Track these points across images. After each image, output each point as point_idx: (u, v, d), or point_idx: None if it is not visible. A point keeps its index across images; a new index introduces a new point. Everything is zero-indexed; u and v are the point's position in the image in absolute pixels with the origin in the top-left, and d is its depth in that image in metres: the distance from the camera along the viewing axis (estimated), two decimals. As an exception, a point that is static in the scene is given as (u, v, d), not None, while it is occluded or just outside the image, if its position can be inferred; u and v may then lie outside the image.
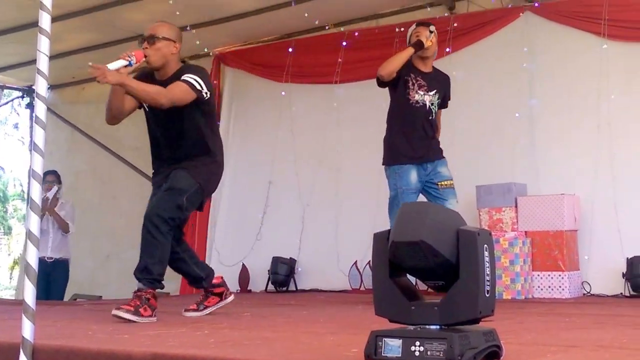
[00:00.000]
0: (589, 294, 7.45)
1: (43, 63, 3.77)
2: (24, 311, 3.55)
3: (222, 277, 5.57)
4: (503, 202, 7.59)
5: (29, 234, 3.70)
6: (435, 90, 6.48)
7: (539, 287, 7.34)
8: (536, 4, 8.27)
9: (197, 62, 10.40)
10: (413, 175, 6.38)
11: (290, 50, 9.47)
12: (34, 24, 3.85)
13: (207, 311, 5.34)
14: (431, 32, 6.36)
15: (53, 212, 8.84)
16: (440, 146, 6.63)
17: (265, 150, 9.47)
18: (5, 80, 11.44)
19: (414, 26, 6.57)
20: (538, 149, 8.03)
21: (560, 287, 7.25)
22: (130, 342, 3.74)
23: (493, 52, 8.38)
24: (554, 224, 7.37)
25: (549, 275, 7.31)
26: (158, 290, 5.03)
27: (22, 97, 11.84)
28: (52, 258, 8.87)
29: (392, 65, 6.26)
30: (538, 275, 7.36)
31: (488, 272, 2.72)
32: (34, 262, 3.63)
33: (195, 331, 4.29)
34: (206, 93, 5.04)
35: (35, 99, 3.82)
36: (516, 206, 7.55)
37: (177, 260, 5.25)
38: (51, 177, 9.01)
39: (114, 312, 4.72)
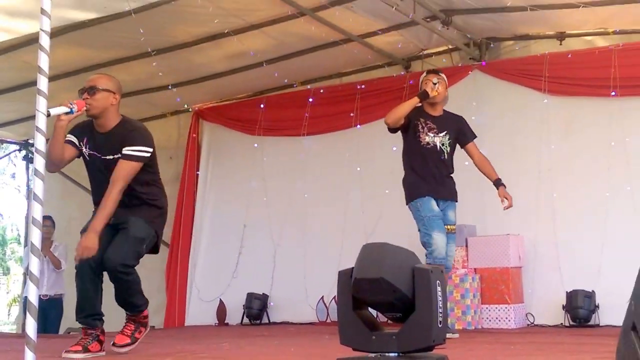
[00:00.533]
0: (532, 324, 7.47)
1: (41, 121, 3.79)
2: (27, 343, 3.53)
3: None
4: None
5: (29, 275, 3.70)
6: (445, 132, 6.31)
7: (487, 318, 7.38)
8: (483, 63, 8.39)
9: (178, 117, 10.55)
10: (433, 203, 6.15)
11: (262, 106, 9.50)
12: (30, 83, 3.88)
13: (89, 355, 4.73)
14: (435, 83, 6.23)
15: (48, 252, 8.81)
16: (457, 187, 6.51)
17: (240, 196, 9.46)
18: (3, 135, 11.36)
19: (425, 74, 6.45)
20: (486, 194, 8.02)
21: (506, 318, 7.29)
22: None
23: (445, 107, 8.45)
24: (500, 261, 7.42)
25: (496, 307, 7.35)
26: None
27: (20, 150, 11.74)
28: (47, 296, 8.80)
29: (396, 114, 6.10)
30: (486, 307, 7.40)
31: (440, 305, 2.76)
32: (34, 299, 3.64)
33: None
34: (147, 154, 4.80)
35: (35, 153, 3.83)
36: (466, 246, 7.61)
37: (94, 284, 4.89)
38: (48, 222, 8.99)
39: (113, 346, 4.73)
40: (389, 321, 2.96)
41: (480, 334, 6.56)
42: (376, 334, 2.83)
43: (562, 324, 7.34)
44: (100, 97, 4.76)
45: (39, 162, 3.79)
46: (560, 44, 8.17)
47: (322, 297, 8.51)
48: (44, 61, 3.86)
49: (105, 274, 4.82)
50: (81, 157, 4.99)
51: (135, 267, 4.76)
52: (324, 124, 9.09)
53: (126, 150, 4.72)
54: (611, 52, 7.61)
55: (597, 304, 7.25)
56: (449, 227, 6.23)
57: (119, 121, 4.87)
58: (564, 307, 7.32)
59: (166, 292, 9.70)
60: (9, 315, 24.45)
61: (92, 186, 5.02)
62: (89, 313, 4.81)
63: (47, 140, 4.03)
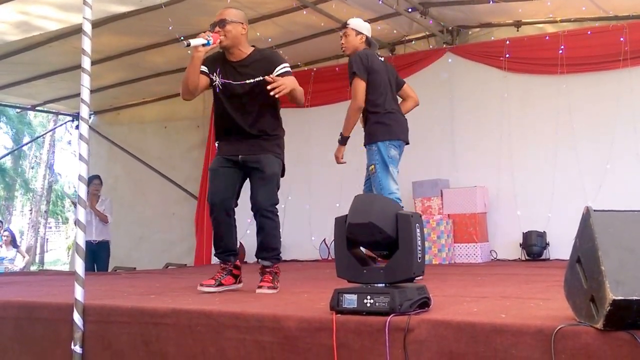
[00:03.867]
0: (495, 259, 7.52)
1: (85, 94, 3.77)
2: (76, 279, 3.54)
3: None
4: (432, 193, 7.65)
5: (77, 222, 3.70)
6: None
7: (459, 254, 7.40)
8: (455, 47, 8.34)
9: (203, 92, 10.45)
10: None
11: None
12: (79, 65, 3.82)
13: (222, 289, 4.24)
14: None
15: (94, 208, 8.79)
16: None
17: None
18: (59, 108, 11.33)
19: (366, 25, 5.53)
20: (457, 153, 8.08)
21: (474, 254, 7.31)
22: (156, 301, 3.75)
23: (424, 82, 8.39)
24: (469, 208, 7.44)
25: (466, 246, 7.38)
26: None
27: (72, 120, 11.72)
28: (96, 240, 8.81)
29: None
30: (458, 246, 7.42)
31: (419, 244, 2.75)
32: (82, 243, 3.63)
33: (203, 292, 4.28)
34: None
35: (80, 121, 3.81)
36: (441, 196, 7.61)
37: (228, 225, 4.33)
38: (97, 181, 8.97)
39: (259, 291, 4.08)
40: (378, 257, 2.94)
41: (453, 268, 6.59)
42: (366, 268, 2.82)
43: (519, 258, 7.39)
44: (230, 28, 4.22)
45: (84, 128, 3.76)
46: (517, 31, 8.14)
47: (324, 240, 8.53)
48: (86, 44, 3.82)
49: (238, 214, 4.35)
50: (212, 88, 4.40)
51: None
52: (324, 97, 9.03)
53: (281, 69, 4.20)
54: (559, 37, 7.58)
55: (547, 242, 7.27)
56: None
57: (254, 49, 4.33)
58: (520, 245, 7.35)
59: (195, 236, 9.70)
60: (68, 257, 24.68)
61: (223, 116, 4.36)
62: (223, 250, 4.33)
63: (92, 112, 3.97)
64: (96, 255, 8.76)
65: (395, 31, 8.58)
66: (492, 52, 8.01)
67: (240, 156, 4.29)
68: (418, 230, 2.74)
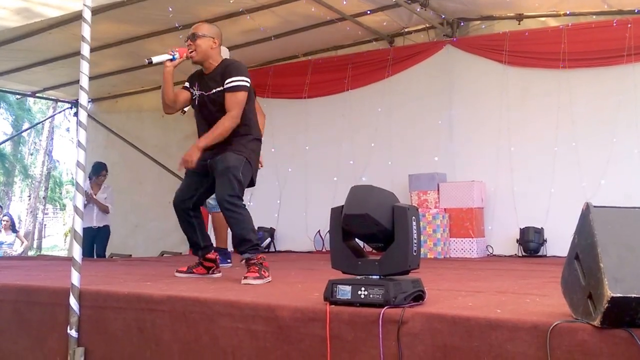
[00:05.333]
0: (491, 255, 7.48)
1: (84, 81, 3.75)
2: (73, 264, 3.57)
3: (217, 256, 4.77)
4: (428, 187, 7.62)
5: (75, 208, 3.69)
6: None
7: (454, 249, 7.37)
8: (454, 39, 8.27)
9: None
10: None
11: (270, 73, 9.43)
12: (78, 52, 3.80)
13: (193, 276, 4.56)
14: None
15: (94, 200, 8.79)
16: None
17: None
18: (58, 95, 11.30)
19: None
20: (455, 147, 8.04)
21: (470, 249, 7.29)
22: (152, 287, 3.75)
23: (423, 75, 8.38)
24: (465, 202, 7.40)
25: (462, 240, 7.35)
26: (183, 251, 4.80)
27: (71, 107, 11.69)
28: (96, 226, 8.83)
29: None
30: (454, 240, 7.39)
31: (415, 237, 2.73)
32: (79, 229, 3.63)
33: (199, 280, 4.29)
34: (246, 83, 4.43)
35: (79, 108, 3.82)
36: (438, 190, 7.58)
37: (189, 223, 4.55)
38: (105, 172, 9.08)
39: (244, 281, 4.04)
40: (373, 250, 2.92)
41: (448, 262, 6.55)
42: (362, 260, 2.80)
43: (516, 254, 7.34)
44: (200, 43, 4.45)
45: (82, 115, 3.75)
46: (519, 24, 8.05)
47: (319, 231, 8.50)
48: (86, 31, 3.80)
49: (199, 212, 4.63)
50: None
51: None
52: (322, 89, 8.99)
53: (227, 84, 4.37)
54: (561, 31, 7.51)
55: (545, 239, 7.24)
56: None
57: (222, 61, 4.54)
58: (517, 241, 7.32)
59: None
60: (65, 243, 24.74)
61: (198, 125, 4.62)
62: (190, 244, 4.64)
63: (90, 99, 3.95)
64: (96, 240, 8.83)
65: (394, 23, 8.52)
66: (493, 46, 7.96)
67: (208, 160, 4.44)
68: (414, 223, 2.72)
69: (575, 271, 2.32)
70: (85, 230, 8.72)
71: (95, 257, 8.63)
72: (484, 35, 8.26)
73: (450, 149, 8.06)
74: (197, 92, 4.55)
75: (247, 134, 4.49)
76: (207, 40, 4.48)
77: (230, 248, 5.95)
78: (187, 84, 4.62)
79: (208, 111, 4.48)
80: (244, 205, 4.40)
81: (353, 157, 8.60)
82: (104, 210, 8.86)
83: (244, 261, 4.36)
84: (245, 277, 4.10)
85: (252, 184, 4.60)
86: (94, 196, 8.83)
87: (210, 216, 6.14)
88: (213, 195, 4.83)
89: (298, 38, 8.71)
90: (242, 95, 4.39)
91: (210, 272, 4.66)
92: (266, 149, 9.30)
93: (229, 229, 4.70)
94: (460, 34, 8.47)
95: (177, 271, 4.65)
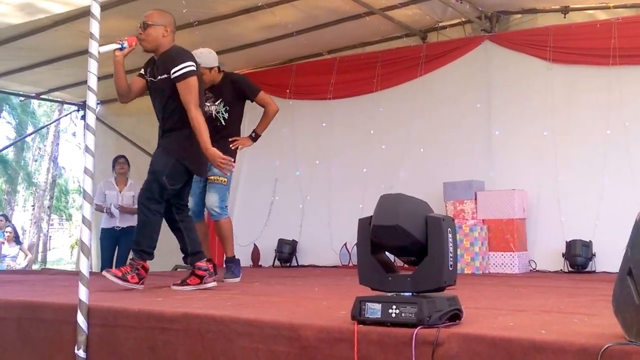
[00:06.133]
0: (534, 270, 7.42)
1: (92, 81, 3.78)
2: (80, 279, 3.59)
3: (210, 266, 5.03)
4: (465, 196, 7.59)
5: (83, 219, 3.71)
6: (220, 100, 6.06)
7: (493, 264, 7.34)
8: (493, 34, 8.25)
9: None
10: None
11: (292, 72, 9.46)
12: (85, 51, 3.85)
13: (188, 288, 4.81)
14: None
15: (125, 210, 8.82)
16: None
17: (273, 153, 9.39)
18: (64, 97, 11.44)
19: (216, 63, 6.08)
20: (494, 152, 8.01)
21: (511, 264, 7.25)
22: (164, 304, 3.76)
23: (459, 73, 8.36)
24: (506, 213, 7.36)
25: (502, 254, 7.31)
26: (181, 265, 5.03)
27: (78, 110, 11.82)
28: (119, 227, 8.84)
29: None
30: (493, 254, 7.36)
31: (451, 250, 2.72)
32: (87, 241, 3.65)
33: (214, 296, 4.30)
34: (193, 67, 4.70)
35: (87, 110, 3.82)
36: (475, 199, 7.55)
37: (175, 228, 4.96)
38: (122, 159, 9.20)
39: (104, 272, 4.71)
40: (404, 264, 2.91)
41: (487, 278, 6.53)
42: (392, 275, 2.80)
43: (561, 270, 7.28)
44: (151, 31, 4.74)
45: (91, 118, 3.78)
46: (564, 17, 8.00)
47: (345, 244, 8.51)
48: (95, 28, 3.83)
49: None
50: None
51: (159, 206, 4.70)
52: (348, 89, 9.01)
53: (174, 73, 4.67)
54: (611, 25, 7.45)
55: (593, 253, 7.18)
56: (210, 177, 5.81)
57: (170, 48, 4.82)
58: (563, 255, 7.26)
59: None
60: (71, 255, 24.96)
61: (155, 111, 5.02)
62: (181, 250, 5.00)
63: (100, 101, 4.03)
64: (119, 242, 8.80)
65: (427, 17, 8.52)
66: (536, 41, 7.92)
67: None
68: (450, 235, 2.71)
69: (628, 288, 2.29)
70: (106, 231, 8.92)
71: (114, 264, 8.50)
72: (526, 29, 8.22)
73: (489, 154, 8.02)
74: (149, 79, 4.91)
75: (182, 127, 4.76)
76: (158, 28, 4.75)
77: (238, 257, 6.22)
78: (142, 72, 4.96)
79: (156, 98, 4.87)
80: (159, 210, 4.73)
81: (382, 164, 8.59)
82: (132, 212, 8.60)
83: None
84: (107, 271, 4.69)
85: (199, 174, 5.02)
86: (122, 204, 8.85)
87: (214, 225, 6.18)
88: (217, 203, 5.66)
89: (322, 34, 8.72)
90: (193, 81, 4.66)
91: (203, 281, 4.87)
92: (288, 154, 9.41)
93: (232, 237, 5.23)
94: (499, 29, 8.44)
95: (174, 284, 4.89)
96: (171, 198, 4.84)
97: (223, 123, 6.06)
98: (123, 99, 4.97)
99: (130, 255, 4.82)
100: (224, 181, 5.91)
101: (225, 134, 6.05)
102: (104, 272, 4.63)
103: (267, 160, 9.50)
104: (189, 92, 4.63)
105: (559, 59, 7.75)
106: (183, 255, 4.99)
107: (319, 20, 8.43)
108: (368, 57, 9.05)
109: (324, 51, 9.53)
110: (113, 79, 4.85)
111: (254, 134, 6.35)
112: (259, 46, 9.01)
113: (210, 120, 5.84)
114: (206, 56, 5.98)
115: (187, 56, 4.74)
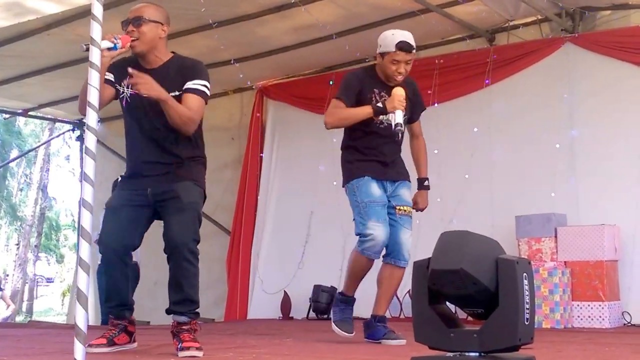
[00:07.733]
0: (629, 324, 7.34)
1: (93, 96, 3.75)
2: (76, 334, 3.56)
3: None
4: (542, 232, 7.54)
5: (79, 261, 3.72)
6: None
7: (578, 316, 7.27)
8: (576, 35, 8.25)
9: (241, 95, 10.59)
10: (375, 186, 5.45)
11: (331, 82, 9.46)
12: (83, 59, 3.87)
13: (115, 349, 4.50)
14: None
15: None
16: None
17: (308, 181, 9.46)
18: (56, 114, 11.55)
19: (393, 48, 5.68)
20: (578, 179, 7.97)
21: (600, 317, 7.17)
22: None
23: (533, 83, 8.36)
24: (594, 254, 7.30)
25: (588, 305, 7.24)
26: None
27: (73, 130, 11.95)
28: None
29: (344, 122, 5.47)
30: (578, 305, 7.29)
31: (527, 301, 2.71)
32: (84, 288, 3.66)
33: (239, 356, 4.31)
34: (209, 92, 4.47)
35: (86, 130, 3.76)
36: (556, 236, 7.50)
37: (121, 273, 4.63)
38: None
39: (186, 353, 4.14)
40: (469, 317, 2.91)
41: (570, 334, 6.47)
42: (455, 331, 2.79)
43: (662, 324, 7.21)
44: (146, 30, 4.45)
45: (91, 140, 3.76)
46: (664, 14, 8.02)
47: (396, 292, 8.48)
48: (96, 32, 3.82)
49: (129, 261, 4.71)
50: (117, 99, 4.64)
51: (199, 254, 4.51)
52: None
53: (192, 85, 4.37)
54: None
55: (703, 303, 7.10)
56: (403, 208, 5.53)
57: (173, 56, 4.57)
58: (665, 306, 7.19)
59: (227, 283, 9.79)
60: (62, 305, 25.13)
61: (131, 136, 4.64)
62: (118, 303, 4.61)
63: (99, 119, 3.97)
64: None
65: (495, 14, 8.55)
66: (628, 43, 7.93)
67: (149, 189, 4.49)
68: (526, 281, 2.71)
69: None
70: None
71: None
72: (616, 29, 8.24)
73: (572, 181, 7.99)
74: (127, 91, 4.54)
75: (201, 156, 4.61)
76: (156, 26, 4.50)
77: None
78: (110, 76, 4.56)
79: (149, 119, 4.47)
80: None
81: (441, 193, 8.55)
82: None
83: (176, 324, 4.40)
84: (186, 349, 4.15)
85: None
86: None
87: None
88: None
89: (367, 35, 8.73)
90: (203, 103, 4.43)
91: (132, 339, 4.67)
92: (326, 181, 9.43)
93: None
94: (584, 29, 8.46)
95: (92, 345, 4.37)
96: (142, 236, 4.74)
97: (401, 138, 5.56)
98: (85, 111, 4.42)
99: (181, 319, 4.39)
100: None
101: (400, 153, 5.73)
102: (180, 354, 4.14)
103: (301, 189, 9.58)
104: (198, 107, 4.37)
105: (658, 64, 7.73)
106: (118, 309, 4.64)
107: (364, 20, 8.51)
108: (423, 63, 9.04)
109: (369, 56, 9.56)
110: (84, 83, 4.29)
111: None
112: (291, 51, 9.10)
113: (388, 133, 5.46)
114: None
115: (205, 72, 4.52)
